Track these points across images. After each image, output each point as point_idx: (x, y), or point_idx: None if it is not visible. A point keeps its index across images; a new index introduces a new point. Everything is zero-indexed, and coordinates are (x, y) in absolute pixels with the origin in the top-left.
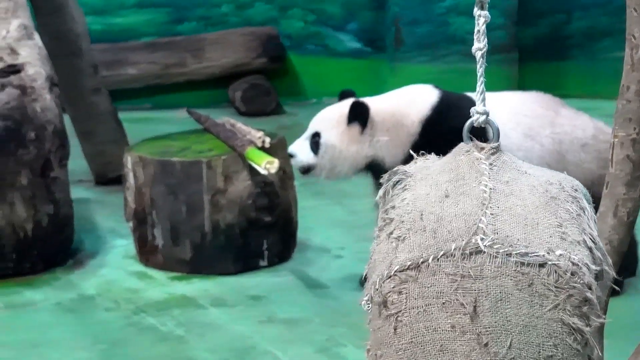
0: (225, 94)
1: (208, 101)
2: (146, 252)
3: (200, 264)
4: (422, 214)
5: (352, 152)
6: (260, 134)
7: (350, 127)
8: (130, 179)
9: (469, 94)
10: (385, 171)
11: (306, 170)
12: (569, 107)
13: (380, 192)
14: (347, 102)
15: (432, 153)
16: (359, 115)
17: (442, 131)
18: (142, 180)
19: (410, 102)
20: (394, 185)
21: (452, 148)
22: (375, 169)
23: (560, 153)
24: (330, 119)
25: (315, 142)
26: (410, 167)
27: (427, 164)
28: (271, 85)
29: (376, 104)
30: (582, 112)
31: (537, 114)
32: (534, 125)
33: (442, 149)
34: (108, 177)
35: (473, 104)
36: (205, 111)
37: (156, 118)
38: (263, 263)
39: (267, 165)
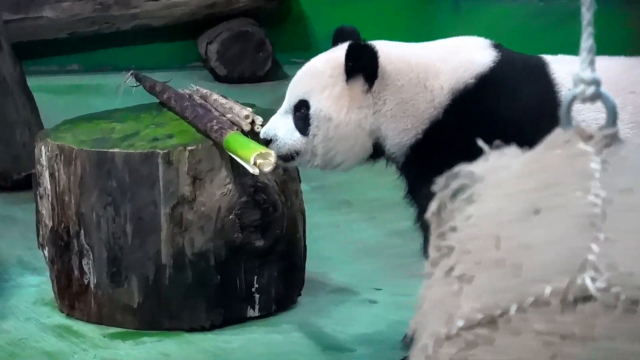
0: (195, 49)
1: (168, 60)
2: (71, 296)
3: (156, 314)
4: (497, 240)
5: (353, 125)
6: (248, 111)
7: (351, 84)
8: (46, 182)
9: (549, 57)
10: (387, 159)
11: (290, 157)
12: None
13: (433, 205)
14: (343, 47)
15: (511, 144)
16: (363, 64)
17: (481, 115)
18: (64, 184)
19: (444, 57)
20: (454, 194)
21: (493, 143)
22: (379, 155)
23: None
24: (320, 75)
25: (301, 115)
26: (478, 167)
27: (504, 162)
28: (265, 35)
29: (390, 49)
30: None
31: None
32: None
33: (470, 143)
34: (12, 179)
35: (543, 78)
36: (164, 75)
37: (88, 86)
38: (253, 312)
39: (257, 159)
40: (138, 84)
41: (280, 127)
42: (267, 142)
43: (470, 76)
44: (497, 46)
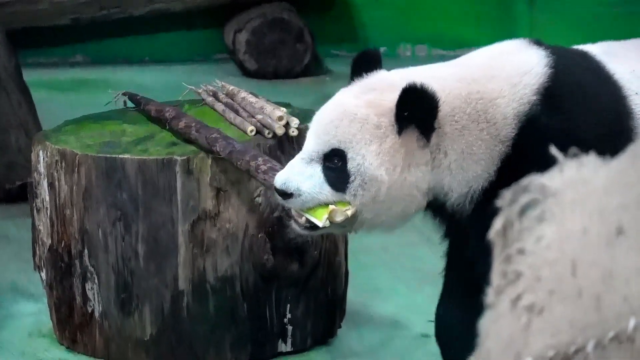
0: (220, 38)
1: (189, 51)
2: (72, 327)
3: (172, 349)
4: (575, 267)
5: (408, 186)
6: (282, 112)
7: (404, 138)
8: (45, 193)
9: (594, 49)
10: (450, 217)
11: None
12: None
13: (498, 223)
14: (388, 85)
15: (591, 154)
16: (422, 115)
17: (557, 134)
18: (65, 196)
19: (492, 75)
20: (523, 211)
21: (569, 151)
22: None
23: None
24: (363, 123)
25: (334, 167)
26: (552, 180)
27: (583, 174)
28: (303, 23)
29: (437, 82)
30: None
31: None
32: None
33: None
34: (5, 190)
35: (606, 81)
36: (185, 70)
37: (94, 81)
38: (285, 348)
39: (330, 216)
40: (134, 106)
41: (304, 178)
42: (285, 195)
43: (532, 92)
44: (539, 44)
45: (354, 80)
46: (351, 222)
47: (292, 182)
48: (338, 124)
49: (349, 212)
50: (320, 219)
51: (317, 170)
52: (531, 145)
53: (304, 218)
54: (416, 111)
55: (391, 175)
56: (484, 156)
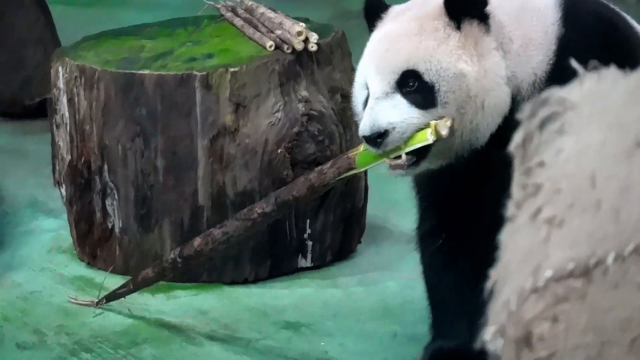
0: None
1: None
2: (92, 243)
3: (192, 264)
4: (594, 179)
5: (492, 73)
6: (301, 26)
7: (465, 32)
8: (64, 109)
9: None
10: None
11: (421, 155)
12: None
13: (518, 137)
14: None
15: (611, 65)
16: (471, 2)
17: (602, 15)
18: (85, 112)
19: None
20: (543, 124)
21: (589, 63)
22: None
23: None
24: (420, 34)
25: (413, 88)
26: (571, 93)
27: (603, 86)
28: None
29: None
30: None
31: None
32: None
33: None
34: (24, 105)
35: None
36: None
37: None
38: (305, 263)
39: (436, 131)
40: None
41: (389, 112)
42: (377, 141)
43: None
44: None
45: (375, 27)
46: (450, 141)
47: (380, 120)
48: (398, 48)
49: (448, 123)
50: (424, 139)
51: (398, 100)
52: (578, 22)
53: (403, 156)
54: (465, 2)
55: (471, 65)
56: (542, 40)
